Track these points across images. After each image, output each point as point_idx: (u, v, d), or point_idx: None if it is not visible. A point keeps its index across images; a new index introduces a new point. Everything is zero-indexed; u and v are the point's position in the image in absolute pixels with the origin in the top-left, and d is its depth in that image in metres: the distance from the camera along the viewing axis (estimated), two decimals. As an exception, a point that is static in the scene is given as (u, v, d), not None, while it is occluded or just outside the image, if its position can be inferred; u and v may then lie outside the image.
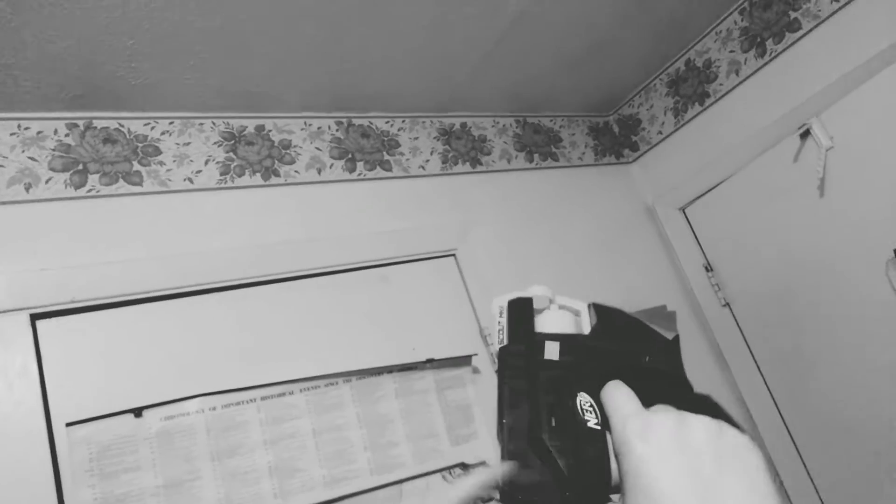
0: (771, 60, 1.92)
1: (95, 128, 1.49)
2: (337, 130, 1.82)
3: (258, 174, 1.65)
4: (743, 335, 2.07)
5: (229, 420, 1.35)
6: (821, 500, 1.90)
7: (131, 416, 1.28)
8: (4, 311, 1.26)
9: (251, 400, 1.38)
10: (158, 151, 1.54)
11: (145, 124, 1.55)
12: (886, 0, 1.65)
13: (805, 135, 1.83)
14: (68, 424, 1.24)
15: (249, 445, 1.34)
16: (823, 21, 1.78)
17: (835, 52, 1.76)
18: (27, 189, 1.38)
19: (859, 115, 1.71)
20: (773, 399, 2.00)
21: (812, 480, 1.92)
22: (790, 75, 1.87)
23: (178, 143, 1.57)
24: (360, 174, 1.80)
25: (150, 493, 1.24)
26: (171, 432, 1.29)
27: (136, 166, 1.50)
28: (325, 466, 1.39)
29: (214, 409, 1.34)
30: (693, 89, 2.15)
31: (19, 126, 1.42)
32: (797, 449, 1.95)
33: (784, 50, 1.89)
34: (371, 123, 1.89)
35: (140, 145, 1.53)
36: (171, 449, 1.28)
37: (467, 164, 2.01)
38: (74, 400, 1.27)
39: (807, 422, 1.92)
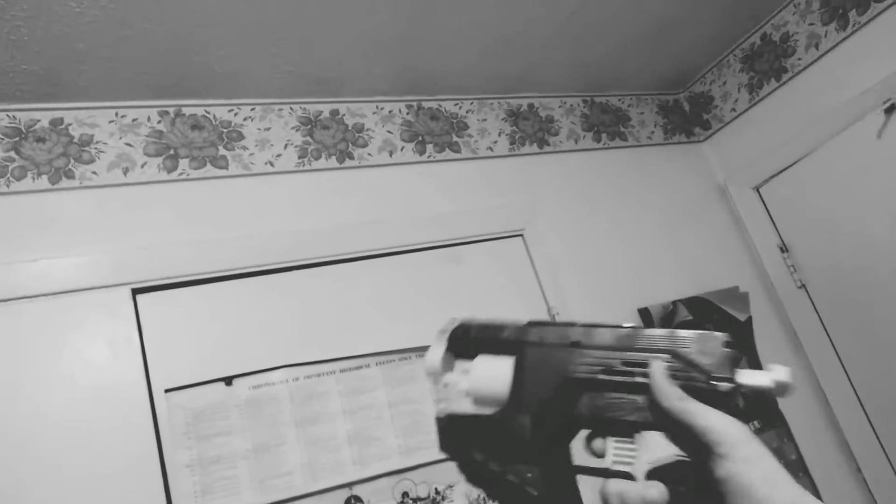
0: (854, 32, 1.85)
1: (184, 115, 1.59)
2: (407, 113, 1.87)
3: (333, 157, 1.71)
4: (819, 317, 2.02)
5: (311, 390, 1.42)
6: (901, 486, 1.85)
7: (222, 384, 1.37)
8: (109, 286, 1.37)
9: (331, 372, 1.45)
10: (241, 136, 1.63)
11: (229, 111, 1.64)
12: (984, -36, 1.56)
13: (890, 110, 1.76)
14: (167, 391, 1.34)
15: (329, 414, 1.42)
16: (913, -11, 1.70)
17: (925, 22, 1.68)
18: (125, 172, 1.49)
19: (951, 88, 1.63)
20: (851, 383, 1.94)
21: (893, 467, 1.86)
22: (874, 48, 1.80)
23: (259, 129, 1.65)
24: (429, 156, 1.84)
25: (241, 456, 1.33)
26: (259, 400, 1.38)
27: (222, 151, 1.59)
28: (399, 436, 1.45)
29: (297, 379, 1.42)
30: (769, 65, 2.09)
31: (116, 114, 1.53)
32: (877, 435, 1.89)
33: (869, 21, 1.81)
34: (440, 106, 1.93)
35: (225, 131, 1.61)
36: (258, 415, 1.37)
37: (535, 144, 2.03)
38: (172, 368, 1.37)
39: (886, 406, 1.86)
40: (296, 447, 1.37)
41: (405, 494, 1.40)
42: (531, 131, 2.04)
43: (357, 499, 1.36)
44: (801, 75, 2.00)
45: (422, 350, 1.55)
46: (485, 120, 1.98)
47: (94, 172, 1.46)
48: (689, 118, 2.38)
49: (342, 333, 1.52)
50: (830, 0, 1.89)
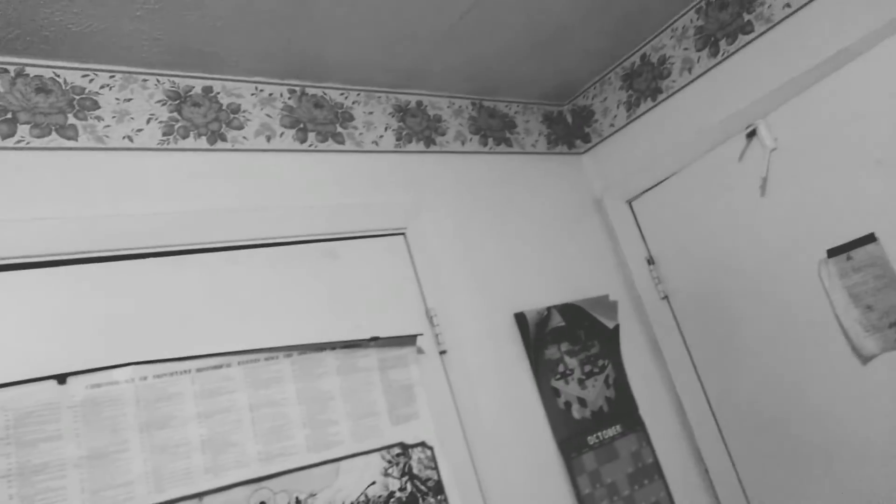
0: (723, 60, 1.97)
1: (28, 75, 1.39)
2: (289, 98, 1.76)
3: (203, 137, 1.57)
4: (679, 328, 2.13)
5: (161, 391, 1.29)
6: (741, 485, 1.98)
7: (54, 382, 1.21)
8: (-84, 265, 1.17)
9: (186, 371, 1.33)
10: (97, 106, 1.46)
11: (84, 76, 1.46)
12: (835, 8, 1.71)
13: (751, 135, 1.88)
14: (-16, 389, 1.16)
15: (182, 418, 1.29)
16: (775, 25, 1.83)
17: (784, 56, 1.81)
18: (-53, 135, 1.28)
19: (804, 119, 1.77)
20: (705, 392, 2.07)
21: (735, 468, 2.00)
22: (740, 76, 1.92)
23: (118, 99, 1.49)
24: (311, 145, 1.75)
25: (73, 464, 1.17)
26: (98, 401, 1.23)
27: (72, 119, 1.41)
28: (260, 442, 1.35)
29: (146, 378, 1.28)
30: (647, 84, 2.19)
31: (-59, 67, 1.31)
32: (724, 441, 2.02)
33: (736, 51, 1.93)
34: (325, 94, 1.84)
35: (77, 97, 1.43)
36: (97, 419, 1.22)
37: (421, 143, 1.99)
38: (-8, 363, 1.19)
39: (734, 413, 2.00)
40: (139, 454, 1.23)
41: (262, 504, 1.30)
42: (418, 129, 2.00)
43: (208, 510, 1.25)
44: (675, 97, 2.10)
45: (292, 349, 1.46)
46: (371, 113, 1.91)
47: None
48: (571, 130, 2.44)
49: (202, 330, 1.40)
50: (704, 28, 2.00)
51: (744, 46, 1.91)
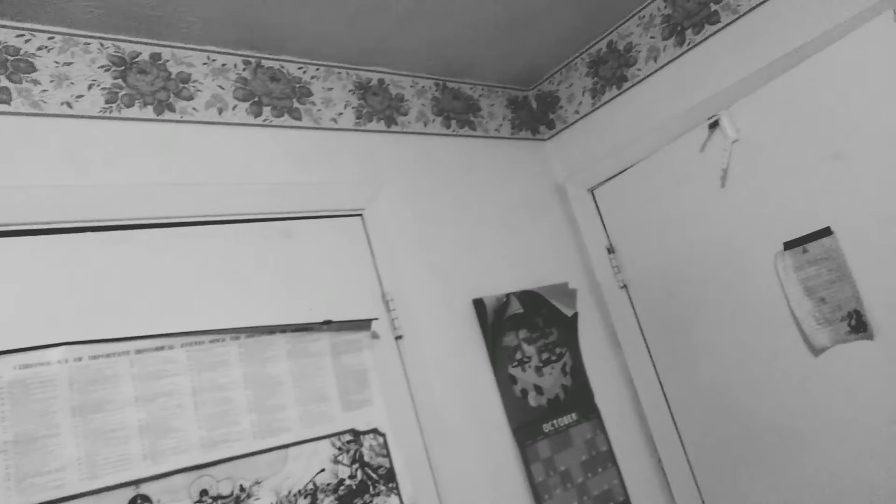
0: (689, 50, 1.95)
1: (-45, 32, 1.29)
2: (244, 70, 1.68)
3: (150, 107, 1.49)
4: (637, 317, 2.13)
5: (97, 373, 1.22)
6: (693, 474, 2.00)
7: (-21, 362, 1.13)
8: None
9: (124, 352, 1.26)
10: (33, 68, 1.36)
11: (18, 35, 1.36)
12: (801, 0, 1.70)
13: (714, 126, 1.88)
14: None
15: (119, 402, 1.22)
16: (741, 16, 1.83)
17: (749, 47, 1.81)
18: None
19: (766, 111, 1.77)
20: (659, 380, 2.08)
21: (687, 456, 2.01)
22: (705, 66, 1.91)
23: (57, 63, 1.39)
24: (265, 119, 1.68)
25: (-3, 450, 1.10)
26: (27, 382, 1.15)
27: (4, 82, 1.32)
28: (203, 427, 1.29)
29: (80, 359, 1.21)
30: (612, 72, 2.16)
31: None
32: (677, 429, 2.04)
33: (702, 41, 1.92)
34: (282, 67, 1.76)
35: (11, 58, 1.34)
36: (25, 401, 1.14)
37: (382, 122, 1.93)
38: None
39: (687, 402, 2.01)
40: (71, 439, 1.16)
41: (204, 493, 1.24)
42: (379, 108, 1.94)
43: (145, 498, 1.19)
44: (640, 85, 2.09)
45: (239, 332, 1.40)
46: (331, 89, 1.84)
47: None
48: (535, 116, 2.41)
49: (143, 310, 1.33)
50: (671, 16, 1.99)
51: (710, 36, 1.90)
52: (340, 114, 1.84)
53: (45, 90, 1.36)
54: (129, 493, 1.18)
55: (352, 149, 1.82)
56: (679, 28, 1.97)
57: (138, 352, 1.27)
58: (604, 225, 2.21)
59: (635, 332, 2.13)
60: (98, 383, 1.21)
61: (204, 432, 1.29)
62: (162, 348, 1.30)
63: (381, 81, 1.98)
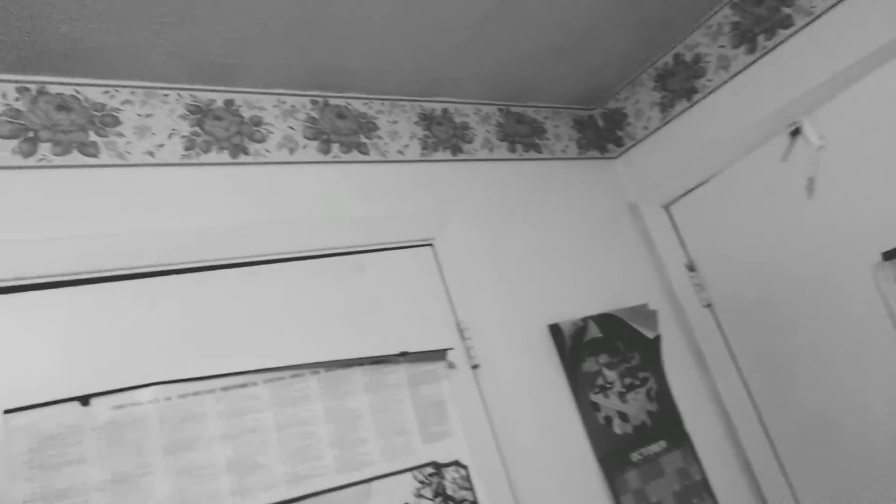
0: (761, 57, 1.88)
1: (49, 93, 1.38)
2: (312, 109, 1.73)
3: (226, 151, 1.55)
4: (724, 337, 2.03)
5: (185, 411, 1.25)
6: (797, 502, 1.86)
7: (77, 404, 1.18)
8: (-62, 287, 1.15)
9: (210, 390, 1.28)
10: (117, 122, 1.44)
11: (104, 92, 1.44)
12: (883, -5, 1.61)
13: (795, 133, 1.79)
14: (6, 411, 1.13)
15: (206, 439, 1.25)
16: (817, 18, 1.74)
17: (828, 50, 1.72)
18: (-30, 155, 1.27)
19: (851, 115, 1.67)
20: (754, 404, 1.96)
21: (791, 488, 1.88)
22: (781, 72, 1.83)
23: (139, 115, 1.47)
24: (334, 156, 1.71)
25: (96, 488, 1.14)
26: (121, 423, 1.19)
27: (93, 136, 1.39)
28: (288, 463, 1.30)
29: (170, 399, 1.24)
30: (681, 84, 2.10)
31: (-36, 87, 1.31)
32: (777, 456, 1.91)
33: (775, 46, 1.84)
34: (348, 104, 1.80)
35: (97, 114, 1.42)
36: (120, 441, 1.18)
37: (448, 151, 1.93)
38: (15, 384, 1.16)
39: (788, 428, 1.88)
40: (164, 477, 1.19)
41: (290, 529, 1.25)
42: (444, 137, 1.95)
43: (234, 536, 1.20)
44: (712, 96, 2.02)
45: (318, 366, 1.41)
46: (396, 122, 1.87)
47: (-72, 152, 1.23)
48: (602, 134, 2.37)
49: (226, 348, 1.36)
50: (740, 24, 1.92)
51: (784, 41, 1.82)
52: (406, 145, 1.85)
53: (129, 141, 1.43)
54: (219, 530, 1.19)
55: (419, 179, 1.83)
56: (750, 35, 1.90)
57: (224, 389, 1.29)
58: (682, 242, 2.13)
59: (723, 354, 2.02)
60: (186, 421, 1.24)
61: (288, 468, 1.29)
62: (246, 385, 1.32)
63: (444, 111, 1.99)
